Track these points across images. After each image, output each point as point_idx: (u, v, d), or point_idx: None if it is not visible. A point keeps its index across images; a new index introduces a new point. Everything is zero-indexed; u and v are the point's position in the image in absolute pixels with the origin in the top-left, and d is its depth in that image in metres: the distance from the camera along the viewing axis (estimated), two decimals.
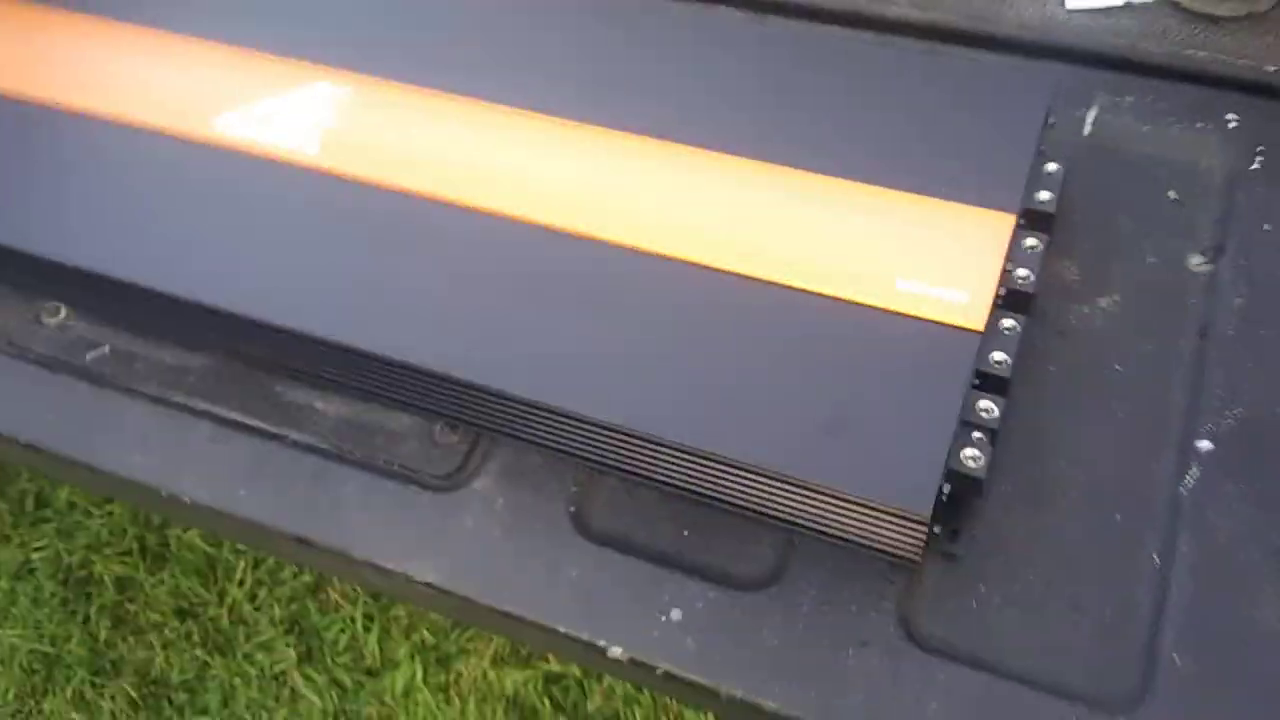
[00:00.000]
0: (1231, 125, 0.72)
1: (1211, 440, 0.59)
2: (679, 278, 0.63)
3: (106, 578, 1.27)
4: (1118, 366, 0.63)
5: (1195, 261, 0.67)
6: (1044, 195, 0.63)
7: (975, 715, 0.54)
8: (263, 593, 1.24)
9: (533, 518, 0.63)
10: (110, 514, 1.31)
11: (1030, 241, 0.61)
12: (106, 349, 0.73)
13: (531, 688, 1.15)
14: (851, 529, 0.57)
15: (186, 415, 0.69)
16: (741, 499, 0.58)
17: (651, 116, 0.70)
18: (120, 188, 0.73)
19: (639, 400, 0.59)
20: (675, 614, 0.58)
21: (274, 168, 0.71)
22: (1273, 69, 0.74)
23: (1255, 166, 0.69)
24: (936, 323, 0.58)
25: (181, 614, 1.24)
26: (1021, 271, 0.60)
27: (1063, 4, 0.80)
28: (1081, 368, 0.63)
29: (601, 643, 0.58)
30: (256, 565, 1.25)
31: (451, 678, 1.18)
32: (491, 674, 1.16)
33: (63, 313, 0.75)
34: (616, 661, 0.58)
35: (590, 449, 0.61)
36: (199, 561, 1.26)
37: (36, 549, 1.30)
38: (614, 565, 0.61)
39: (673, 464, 0.59)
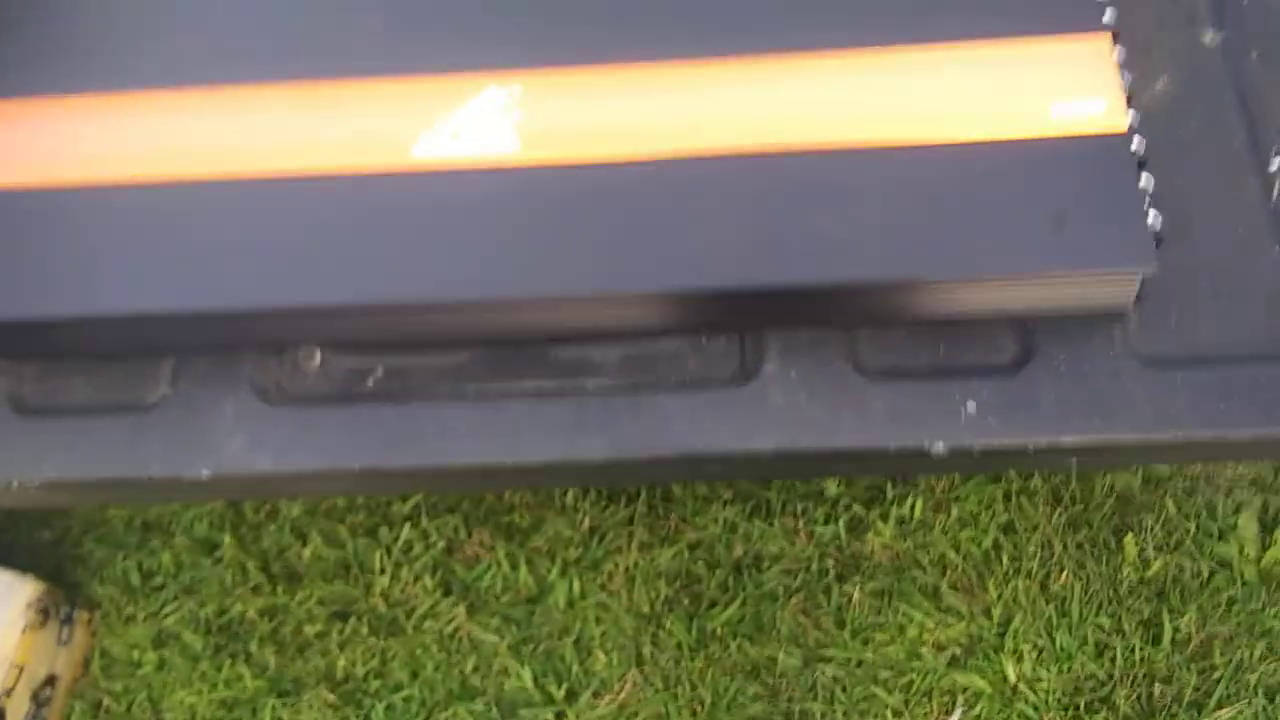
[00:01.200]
0: None
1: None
2: (875, 161, 0.78)
3: (250, 612, 1.33)
4: (1188, 129, 0.83)
5: (1209, 38, 0.87)
6: (1109, 14, 0.81)
7: (1216, 396, 0.75)
8: (404, 571, 1.33)
9: (825, 378, 0.78)
10: (220, 559, 1.35)
11: (1117, 51, 0.80)
12: (380, 371, 0.82)
13: (681, 558, 1.31)
14: (1077, 299, 0.75)
15: (492, 400, 0.80)
16: (989, 308, 0.76)
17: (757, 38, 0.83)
18: (333, 227, 0.80)
19: (889, 255, 0.75)
20: (970, 406, 0.76)
21: (477, 174, 0.80)
22: None
23: None
24: (1092, 134, 0.76)
25: (340, 616, 1.32)
26: (1125, 76, 0.79)
27: None
28: (1167, 137, 0.82)
29: (925, 445, 0.76)
30: (388, 551, 1.34)
31: (605, 577, 1.32)
32: (642, 560, 1.32)
33: (317, 354, 0.83)
34: (940, 456, 0.76)
35: (844, 310, 0.77)
36: (332, 567, 1.34)
37: (167, 615, 1.34)
38: (905, 390, 0.77)
39: (926, 297, 0.76)
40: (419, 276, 0.78)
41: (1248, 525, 1.25)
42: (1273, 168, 0.81)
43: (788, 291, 0.76)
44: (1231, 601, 1.22)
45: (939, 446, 0.75)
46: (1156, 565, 1.24)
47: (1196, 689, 1.19)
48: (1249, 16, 0.88)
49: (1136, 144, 0.76)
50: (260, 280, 0.79)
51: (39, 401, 0.83)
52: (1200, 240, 0.79)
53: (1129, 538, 1.25)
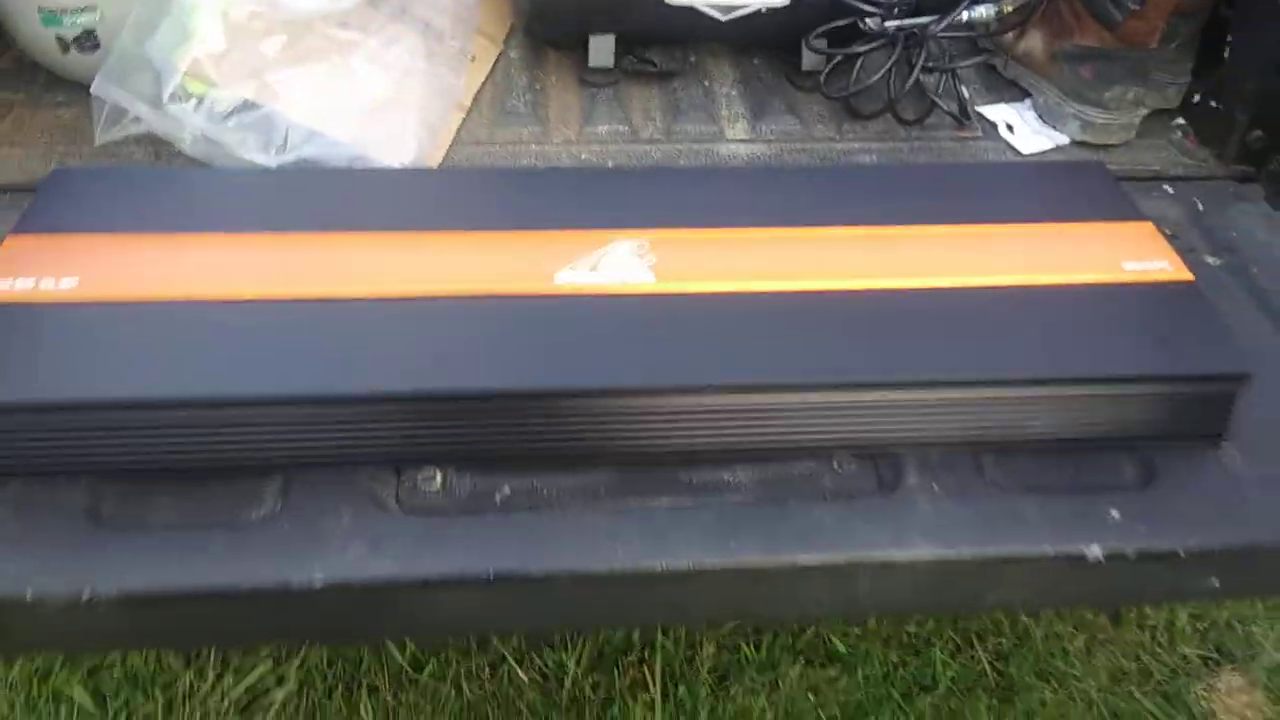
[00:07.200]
0: (1170, 191, 1.11)
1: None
2: (981, 295, 0.86)
3: None
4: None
5: (1211, 261, 1.02)
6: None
7: None
8: None
9: (969, 490, 0.79)
10: None
11: None
12: (505, 490, 0.78)
13: None
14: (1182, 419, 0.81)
15: (634, 512, 0.77)
16: (1106, 430, 0.81)
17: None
18: (475, 335, 0.82)
19: (1013, 358, 0.81)
20: (1114, 513, 0.77)
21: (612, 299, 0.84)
22: (1158, 166, 1.16)
23: (1201, 208, 1.08)
24: (1170, 280, 0.86)
25: None
26: None
27: (1019, 152, 1.18)
28: None
29: (1082, 550, 0.75)
30: None
31: None
32: None
33: (436, 475, 0.79)
34: (1096, 560, 0.75)
35: (979, 421, 0.80)
36: None
37: None
38: (1050, 501, 0.78)
39: (1049, 406, 0.81)
40: (544, 367, 0.79)
41: None
42: None
43: (918, 383, 0.79)
44: None
45: (1095, 550, 0.75)
46: None
47: None
48: (1238, 245, 1.03)
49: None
50: (402, 371, 0.78)
51: (120, 521, 0.75)
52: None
53: None
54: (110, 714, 1.20)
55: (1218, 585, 0.78)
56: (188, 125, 1.02)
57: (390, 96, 1.14)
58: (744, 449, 0.81)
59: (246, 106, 1.05)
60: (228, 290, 0.83)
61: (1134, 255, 0.89)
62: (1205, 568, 0.77)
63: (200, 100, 1.03)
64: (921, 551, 0.75)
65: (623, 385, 0.77)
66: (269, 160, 1.02)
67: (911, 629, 1.31)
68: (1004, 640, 1.31)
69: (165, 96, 1.01)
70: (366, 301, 0.83)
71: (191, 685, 1.23)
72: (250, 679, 1.22)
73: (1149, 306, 0.85)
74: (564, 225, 0.90)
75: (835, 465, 0.81)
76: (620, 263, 0.87)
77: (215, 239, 0.88)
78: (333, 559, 0.72)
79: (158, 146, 1.09)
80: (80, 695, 1.20)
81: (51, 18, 1.10)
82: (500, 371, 0.78)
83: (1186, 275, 0.87)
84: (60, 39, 1.12)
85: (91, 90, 1.04)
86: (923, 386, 0.79)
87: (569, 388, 0.77)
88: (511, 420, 0.78)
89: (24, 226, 0.89)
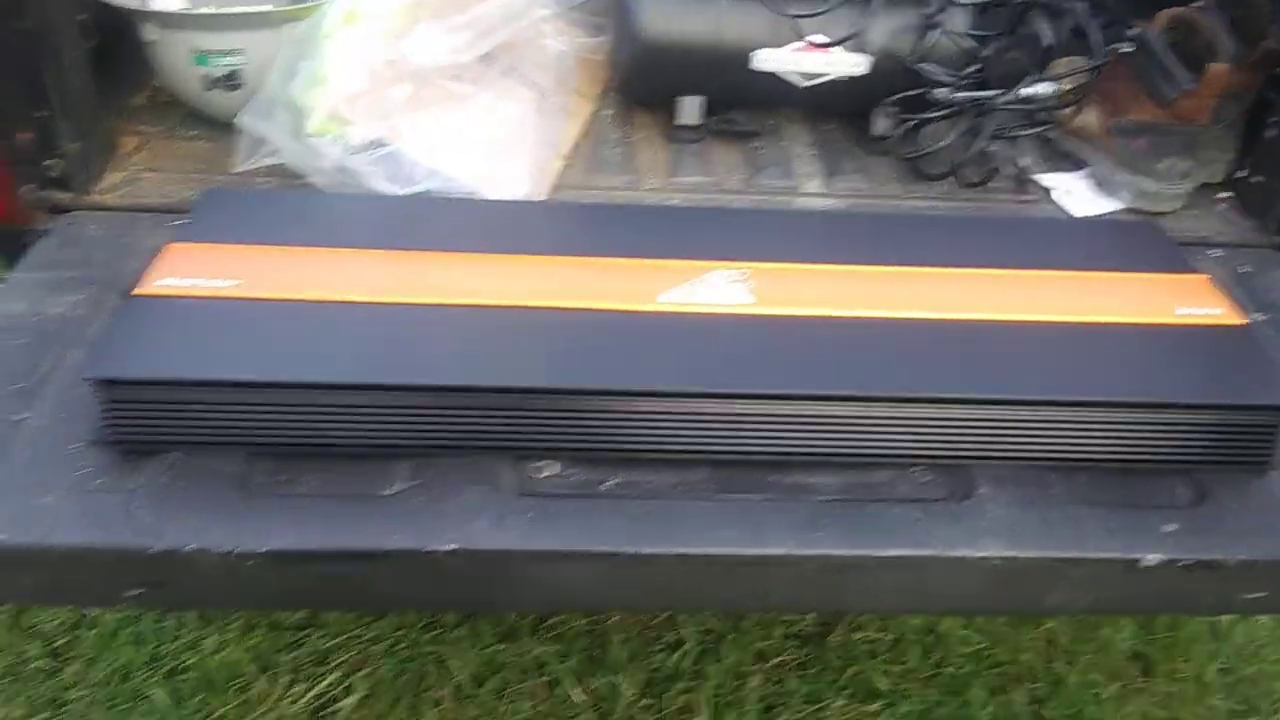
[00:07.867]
0: (1216, 255, 1.20)
1: None
2: (1035, 329, 0.95)
3: None
4: None
5: (1257, 317, 1.10)
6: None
7: None
8: None
9: (1028, 496, 0.86)
10: None
11: None
12: (613, 481, 0.87)
13: None
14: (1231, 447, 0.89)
15: (736, 500, 0.85)
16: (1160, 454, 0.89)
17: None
18: (581, 340, 0.91)
19: (1077, 381, 0.89)
20: (1169, 526, 0.84)
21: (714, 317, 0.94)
22: (1205, 233, 1.25)
23: (1247, 269, 1.17)
24: (1220, 324, 0.95)
25: None
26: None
27: (1074, 216, 1.27)
28: None
29: (1137, 556, 0.82)
30: None
31: None
32: None
33: (551, 466, 0.88)
34: (1147, 567, 0.82)
35: (1045, 440, 0.88)
36: None
37: None
38: (1108, 513, 0.85)
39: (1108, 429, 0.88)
40: (644, 371, 0.88)
41: None
42: None
43: (989, 400, 0.87)
44: None
45: (1150, 558, 0.82)
46: None
47: None
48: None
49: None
50: (519, 370, 0.88)
51: (268, 489, 0.84)
52: None
53: None
54: (187, 714, 1.26)
55: (1265, 597, 0.85)
56: (324, 158, 1.13)
57: (502, 142, 1.25)
58: (829, 456, 0.89)
59: (376, 144, 1.16)
60: (372, 295, 0.93)
61: (1188, 302, 0.98)
62: (1252, 580, 0.84)
63: (335, 137, 1.15)
64: (990, 550, 0.82)
65: (718, 390, 0.86)
66: (396, 192, 1.13)
67: (951, 669, 1.37)
68: (1040, 685, 1.36)
69: (305, 131, 1.12)
70: (489, 309, 0.93)
71: (264, 691, 1.29)
72: (320, 687, 1.29)
73: (1203, 344, 0.93)
74: (664, 255, 1.00)
75: (912, 474, 0.89)
76: (718, 288, 0.97)
77: (360, 253, 0.98)
78: (461, 529, 0.81)
79: (287, 178, 1.21)
80: (159, 695, 1.27)
81: (203, 58, 1.23)
82: (606, 373, 0.87)
83: (1239, 320, 0.96)
84: (205, 77, 1.24)
85: (236, 122, 1.16)
86: (992, 404, 0.87)
87: (669, 389, 0.86)
88: (617, 418, 0.87)
89: (183, 236, 1.00)
